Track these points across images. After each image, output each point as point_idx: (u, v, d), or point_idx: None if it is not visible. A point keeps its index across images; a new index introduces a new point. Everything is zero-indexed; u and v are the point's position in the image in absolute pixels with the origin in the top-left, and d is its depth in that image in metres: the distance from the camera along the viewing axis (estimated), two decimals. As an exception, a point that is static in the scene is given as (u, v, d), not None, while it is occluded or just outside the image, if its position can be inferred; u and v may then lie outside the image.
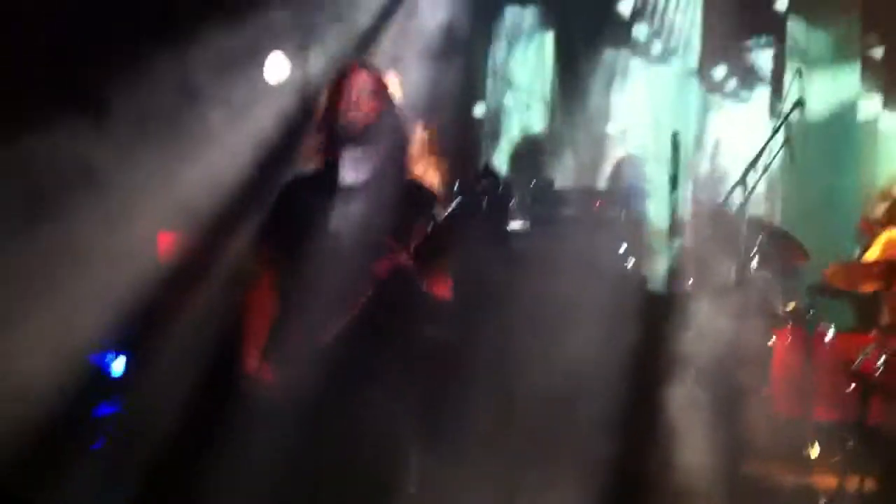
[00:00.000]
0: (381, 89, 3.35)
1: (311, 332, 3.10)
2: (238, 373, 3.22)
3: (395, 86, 3.44)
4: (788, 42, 7.29)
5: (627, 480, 4.01)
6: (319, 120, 3.37)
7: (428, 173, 3.42)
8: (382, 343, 3.13)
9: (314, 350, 3.07)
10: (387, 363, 3.13)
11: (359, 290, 3.08)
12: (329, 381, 3.04)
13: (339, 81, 3.34)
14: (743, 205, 5.29)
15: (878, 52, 7.14)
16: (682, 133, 5.61)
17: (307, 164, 3.44)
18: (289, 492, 3.04)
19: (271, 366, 3.16)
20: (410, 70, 5.12)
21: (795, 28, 7.27)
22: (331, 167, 3.30)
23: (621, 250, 5.00)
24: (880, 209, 5.78)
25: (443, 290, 3.23)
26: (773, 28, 7.40)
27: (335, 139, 3.30)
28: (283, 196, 3.41)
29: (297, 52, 5.38)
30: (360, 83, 3.30)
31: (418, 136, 3.46)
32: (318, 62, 5.31)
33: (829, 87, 7.05)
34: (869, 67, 7.16)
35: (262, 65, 5.27)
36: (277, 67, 5.35)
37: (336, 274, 3.10)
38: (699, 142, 7.10)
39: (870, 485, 4.37)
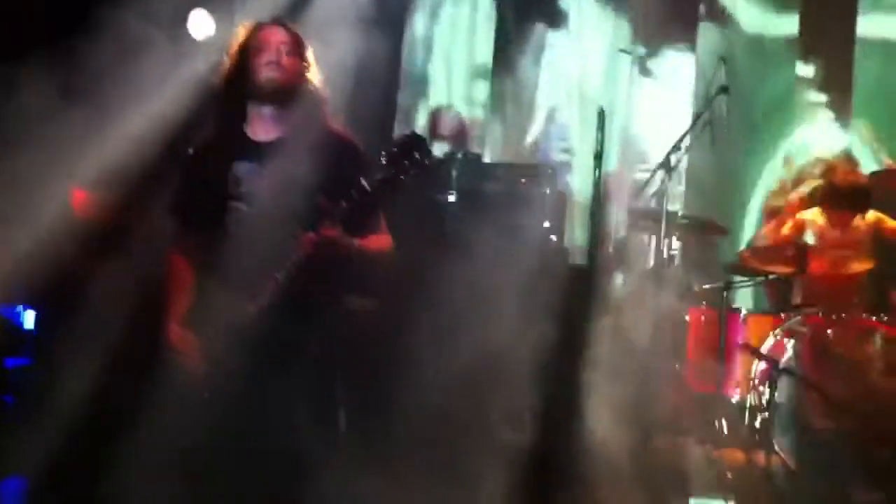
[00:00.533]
0: (301, 49, 3.20)
1: (234, 303, 2.98)
2: (158, 341, 3.11)
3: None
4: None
5: (542, 452, 4.05)
6: (228, 75, 3.20)
7: None
8: (309, 313, 3.06)
9: (238, 321, 2.96)
10: (312, 334, 3.07)
11: (287, 256, 2.96)
12: (252, 353, 2.95)
13: (254, 36, 3.18)
14: (664, 184, 5.39)
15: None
16: (608, 109, 5.67)
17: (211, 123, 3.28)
18: (205, 466, 2.95)
19: (193, 337, 3.04)
20: (333, 35, 5.05)
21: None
22: (239, 126, 3.17)
23: (545, 225, 5.04)
24: (795, 191, 5.92)
25: (383, 241, 3.16)
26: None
27: (246, 96, 3.15)
28: (194, 159, 3.24)
29: (222, 8, 5.26)
30: (279, 40, 3.16)
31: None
32: (244, 19, 5.20)
33: (753, 72, 7.18)
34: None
35: (185, 20, 5.15)
36: (202, 24, 5.24)
37: (259, 239, 2.99)
38: (623, 119, 7.16)
39: (775, 460, 4.50)
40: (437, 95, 7.49)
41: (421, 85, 7.54)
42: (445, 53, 7.60)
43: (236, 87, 3.17)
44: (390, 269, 3.35)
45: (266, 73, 3.11)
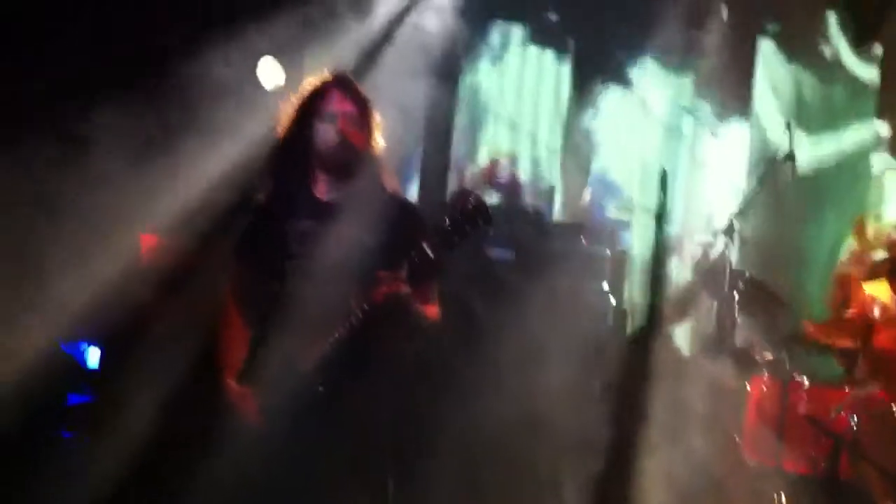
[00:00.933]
0: (366, 119, 3.15)
1: (291, 358, 2.98)
2: (218, 389, 3.13)
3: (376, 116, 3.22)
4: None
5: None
6: (290, 135, 3.15)
7: None
8: (368, 369, 3.06)
9: (294, 376, 2.97)
10: (372, 389, 3.07)
11: (344, 315, 2.95)
12: (310, 407, 2.96)
13: (319, 101, 3.12)
14: (727, 249, 5.35)
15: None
16: (669, 171, 5.66)
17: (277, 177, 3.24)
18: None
19: (249, 392, 3.05)
20: (398, 86, 5.10)
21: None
22: (304, 183, 3.14)
23: (605, 287, 5.03)
24: (860, 264, 5.81)
25: (433, 311, 3.15)
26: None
27: (309, 157, 3.12)
28: (259, 211, 3.24)
29: (292, 57, 5.36)
30: (344, 110, 3.10)
31: None
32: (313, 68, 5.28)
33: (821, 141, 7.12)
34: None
35: (255, 69, 5.25)
36: (271, 72, 5.33)
37: (316, 296, 2.99)
38: (684, 180, 7.12)
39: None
40: (491, 146, 7.44)
41: (475, 134, 7.54)
42: (504, 104, 7.57)
43: (299, 148, 3.14)
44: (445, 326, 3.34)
45: (328, 144, 3.09)
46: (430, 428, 3.98)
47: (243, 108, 4.83)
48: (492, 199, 5.91)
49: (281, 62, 5.32)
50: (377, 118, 3.21)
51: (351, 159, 3.10)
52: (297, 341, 2.98)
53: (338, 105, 3.12)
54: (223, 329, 3.26)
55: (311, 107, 3.14)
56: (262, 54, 5.24)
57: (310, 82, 3.22)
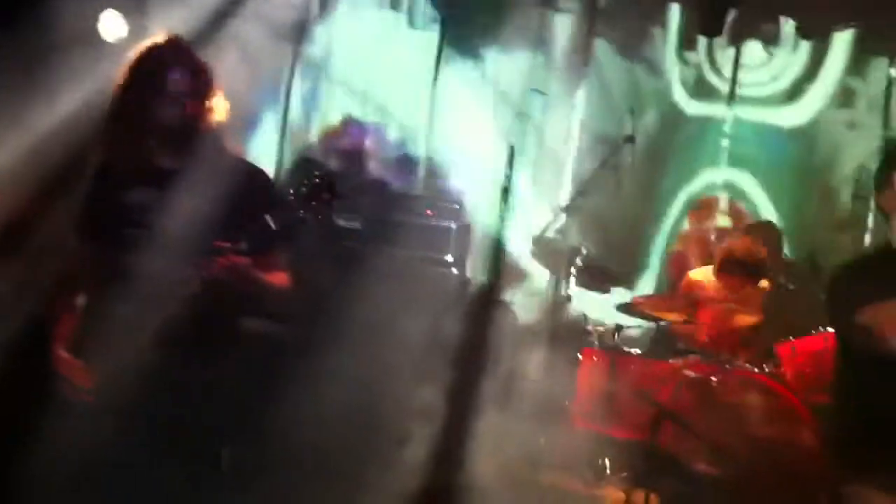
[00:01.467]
0: (205, 90, 3.02)
1: (127, 330, 2.87)
2: (49, 359, 3.00)
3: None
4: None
5: (431, 484, 4.09)
6: (124, 102, 2.98)
7: None
8: (209, 342, 3.02)
9: (130, 348, 2.87)
10: (211, 361, 3.02)
11: (182, 287, 2.87)
12: (147, 383, 2.86)
13: (155, 69, 2.96)
14: (567, 225, 5.54)
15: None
16: (516, 148, 5.79)
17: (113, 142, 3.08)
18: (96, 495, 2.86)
19: (80, 364, 2.93)
20: (240, 49, 5.03)
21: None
22: (142, 151, 2.99)
23: (448, 258, 5.12)
24: (696, 243, 6.10)
25: (281, 279, 3.12)
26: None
27: (146, 124, 2.98)
28: (96, 179, 3.07)
29: (135, 12, 5.20)
30: (182, 82, 2.95)
31: None
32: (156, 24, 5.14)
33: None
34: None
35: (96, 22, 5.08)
36: (113, 26, 5.17)
37: (157, 268, 2.88)
38: (530, 156, 7.28)
39: (653, 500, 4.63)
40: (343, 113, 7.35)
41: (324, 101, 7.45)
42: (358, 71, 7.50)
43: (133, 116, 2.99)
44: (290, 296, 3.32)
45: (164, 111, 2.96)
46: (273, 397, 3.98)
47: (86, 61, 4.67)
48: (339, 166, 5.88)
49: (124, 16, 5.17)
50: (217, 82, 3.10)
51: (189, 125, 2.99)
52: (134, 313, 2.88)
53: (173, 70, 2.98)
54: (56, 296, 3.13)
55: (146, 71, 2.98)
56: (105, 7, 5.08)
57: (144, 45, 3.04)
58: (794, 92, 7.28)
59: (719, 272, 5.48)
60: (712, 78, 7.50)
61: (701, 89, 7.53)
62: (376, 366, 4.30)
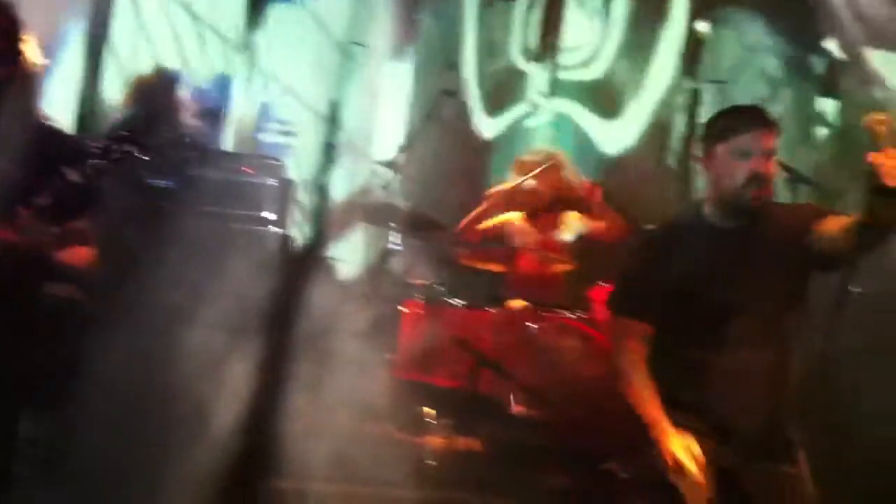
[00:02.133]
0: (9, 37, 2.95)
1: None
2: None
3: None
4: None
5: (248, 442, 4.08)
6: None
7: None
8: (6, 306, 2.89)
9: None
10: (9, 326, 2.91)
11: None
12: None
13: None
14: (390, 179, 5.58)
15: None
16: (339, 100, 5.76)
17: None
18: None
19: None
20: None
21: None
22: None
23: (268, 215, 5.07)
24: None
25: (80, 256, 3.01)
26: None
27: None
28: None
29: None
30: None
31: None
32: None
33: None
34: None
35: None
36: None
37: None
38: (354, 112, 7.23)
39: (475, 446, 4.77)
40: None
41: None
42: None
43: None
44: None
45: None
46: (72, 365, 3.87)
47: None
48: (148, 119, 5.65)
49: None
50: (25, 31, 3.01)
51: None
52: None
53: None
54: None
55: None
56: None
57: None
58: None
59: (527, 212, 5.67)
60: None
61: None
62: (191, 330, 4.23)
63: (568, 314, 5.29)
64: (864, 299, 5.19)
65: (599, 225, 5.64)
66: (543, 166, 5.61)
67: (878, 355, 5.03)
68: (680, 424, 3.05)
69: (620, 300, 3.40)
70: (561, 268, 5.58)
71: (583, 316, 5.28)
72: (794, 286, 3.16)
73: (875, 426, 4.80)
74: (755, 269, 3.09)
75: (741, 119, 3.09)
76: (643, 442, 3.10)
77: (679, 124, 7.08)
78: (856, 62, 6.43)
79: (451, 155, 6.82)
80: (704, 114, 6.65)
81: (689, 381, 3.12)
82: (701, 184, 5.00)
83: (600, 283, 5.35)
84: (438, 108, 6.19)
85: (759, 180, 3.01)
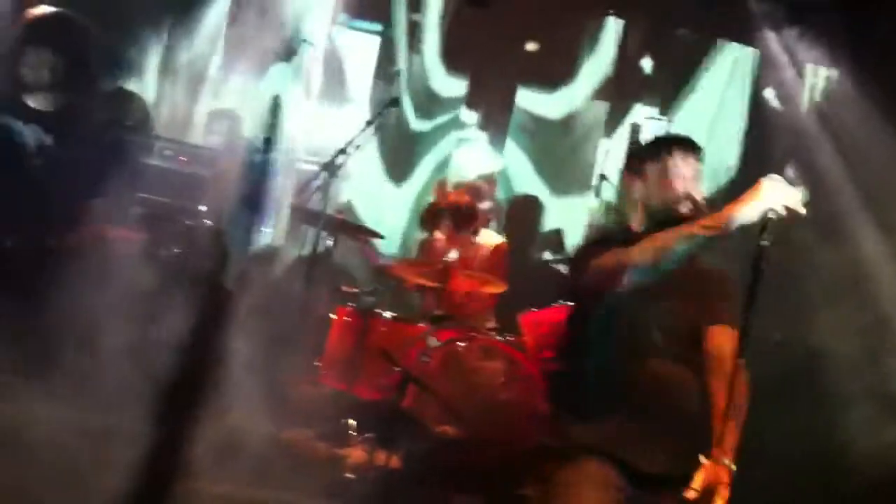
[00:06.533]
0: None
1: None
2: None
3: None
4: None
5: (170, 441, 3.97)
6: None
7: None
8: None
9: None
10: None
11: None
12: None
13: None
14: (327, 183, 5.51)
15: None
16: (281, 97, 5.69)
17: None
18: None
19: None
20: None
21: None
22: None
23: (201, 207, 4.96)
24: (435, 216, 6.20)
25: None
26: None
27: None
28: None
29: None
30: None
31: None
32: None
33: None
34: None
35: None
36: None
37: None
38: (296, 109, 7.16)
39: (395, 461, 4.73)
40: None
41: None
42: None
43: None
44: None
45: None
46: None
47: None
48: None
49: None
50: None
51: None
52: None
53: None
54: None
55: None
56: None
57: None
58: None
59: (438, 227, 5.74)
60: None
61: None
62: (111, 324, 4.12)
63: (496, 336, 5.28)
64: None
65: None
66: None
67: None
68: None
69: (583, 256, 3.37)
70: (493, 289, 5.58)
71: (510, 339, 5.28)
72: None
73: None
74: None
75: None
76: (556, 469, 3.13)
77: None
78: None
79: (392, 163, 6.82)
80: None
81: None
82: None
83: (530, 307, 5.36)
84: (382, 115, 6.14)
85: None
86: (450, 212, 5.81)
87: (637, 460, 3.10)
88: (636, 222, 3.33)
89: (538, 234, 7.07)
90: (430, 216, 5.97)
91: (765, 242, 2.78)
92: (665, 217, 3.20)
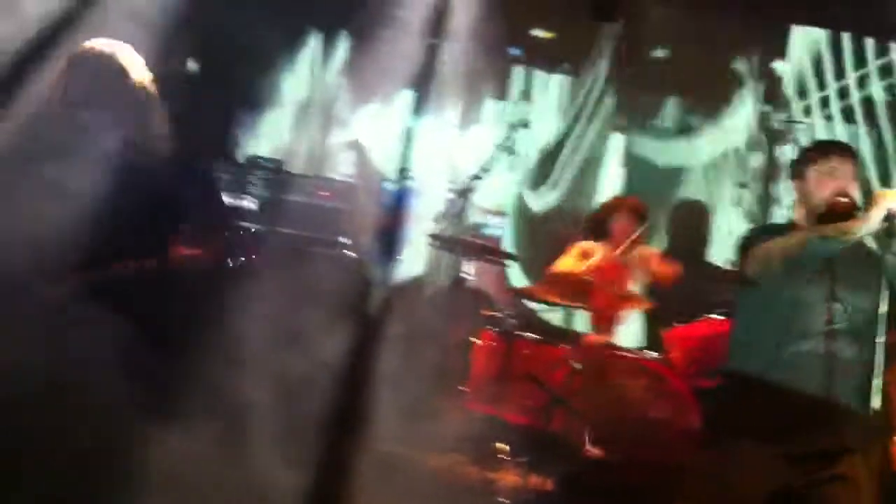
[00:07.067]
0: None
1: None
2: None
3: None
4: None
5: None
6: None
7: None
8: None
9: None
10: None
11: None
12: None
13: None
14: (462, 208, 5.54)
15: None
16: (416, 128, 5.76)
17: None
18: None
19: None
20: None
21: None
22: None
23: (343, 240, 5.06)
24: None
25: None
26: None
27: None
28: None
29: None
30: None
31: None
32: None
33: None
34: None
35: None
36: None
37: None
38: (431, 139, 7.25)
39: (548, 486, 4.69)
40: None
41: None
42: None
43: None
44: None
45: None
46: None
47: None
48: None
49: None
50: None
51: None
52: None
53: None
54: None
55: None
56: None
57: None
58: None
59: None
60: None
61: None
62: (266, 353, 4.21)
63: (642, 354, 5.20)
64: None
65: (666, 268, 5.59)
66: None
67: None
68: None
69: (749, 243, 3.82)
70: (637, 306, 5.50)
71: (657, 357, 5.18)
72: None
73: None
74: None
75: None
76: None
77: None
78: None
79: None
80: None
81: None
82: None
83: (675, 324, 5.26)
84: (511, 137, 6.14)
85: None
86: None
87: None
88: (800, 217, 3.77)
89: (707, 240, 6.94)
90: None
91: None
92: (827, 213, 3.62)
